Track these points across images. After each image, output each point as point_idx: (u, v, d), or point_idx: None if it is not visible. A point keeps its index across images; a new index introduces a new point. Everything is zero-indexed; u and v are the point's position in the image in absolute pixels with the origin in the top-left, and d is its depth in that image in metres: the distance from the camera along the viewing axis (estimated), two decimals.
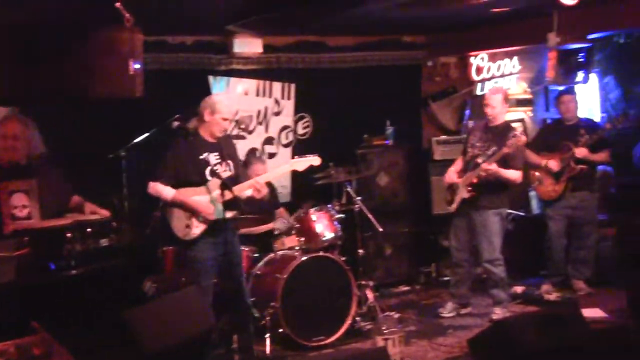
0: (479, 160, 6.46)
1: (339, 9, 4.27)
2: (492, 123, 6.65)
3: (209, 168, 5.46)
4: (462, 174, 6.65)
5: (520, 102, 9.15)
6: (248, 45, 7.29)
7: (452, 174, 6.74)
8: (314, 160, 5.74)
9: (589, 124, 7.35)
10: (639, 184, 8.08)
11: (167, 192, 5.43)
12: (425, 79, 8.85)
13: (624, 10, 6.49)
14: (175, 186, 5.46)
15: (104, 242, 5.46)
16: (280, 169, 5.91)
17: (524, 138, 6.32)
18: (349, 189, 6.93)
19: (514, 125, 8.46)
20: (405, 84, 8.68)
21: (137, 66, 5.12)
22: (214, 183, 5.40)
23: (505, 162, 6.41)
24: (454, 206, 6.70)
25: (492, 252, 6.57)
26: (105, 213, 5.72)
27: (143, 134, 6.21)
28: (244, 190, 5.52)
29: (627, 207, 7.63)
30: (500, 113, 6.64)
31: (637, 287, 6.16)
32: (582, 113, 8.31)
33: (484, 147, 6.54)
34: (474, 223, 6.61)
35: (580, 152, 6.98)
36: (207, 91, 7.35)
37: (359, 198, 6.88)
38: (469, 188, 6.51)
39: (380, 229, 6.98)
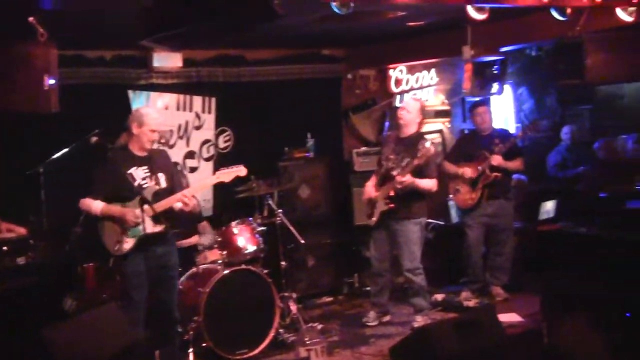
0: (394, 172, 6.56)
1: (253, 24, 4.29)
2: (403, 134, 6.75)
3: (135, 183, 5.43)
4: (379, 188, 6.75)
5: (439, 114, 9.34)
6: (168, 60, 7.26)
7: (370, 189, 6.82)
8: (240, 171, 5.74)
9: (502, 133, 7.56)
10: (549, 191, 8.37)
11: (95, 205, 5.42)
12: (346, 92, 8.91)
13: (533, 24, 6.66)
14: (106, 201, 5.46)
15: (20, 260, 5.40)
16: (206, 181, 5.92)
17: (432, 149, 6.41)
18: (270, 202, 6.96)
19: (431, 136, 8.69)
20: (326, 97, 8.74)
21: (52, 81, 5.06)
22: (136, 199, 5.37)
23: (419, 172, 6.52)
24: (374, 219, 6.78)
25: (412, 261, 6.68)
26: (22, 231, 5.65)
27: (62, 149, 6.12)
28: (169, 205, 5.51)
29: (535, 214, 7.89)
30: (413, 120, 6.73)
31: (547, 292, 6.39)
32: (497, 123, 8.53)
33: (397, 159, 6.62)
34: (394, 233, 6.71)
35: (495, 159, 7.18)
36: (127, 106, 7.27)
37: (280, 210, 6.91)
38: (387, 201, 6.61)
39: (302, 241, 7.03)
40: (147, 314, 5.54)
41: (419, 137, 6.64)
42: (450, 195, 7.69)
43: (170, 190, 5.56)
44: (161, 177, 5.57)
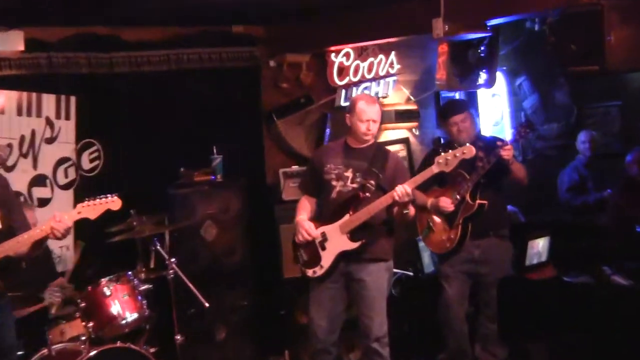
0: (367, 194, 6.50)
1: None
2: (362, 143, 6.77)
3: None
4: (321, 222, 6.69)
5: (403, 116, 9.41)
6: (3, 41, 7.17)
7: (308, 226, 6.69)
8: (112, 203, 5.71)
9: (487, 141, 7.51)
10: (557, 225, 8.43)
11: None
12: (268, 86, 8.92)
13: None
14: None
15: None
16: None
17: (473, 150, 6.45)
18: (159, 248, 6.93)
19: (392, 148, 8.70)
20: (239, 94, 8.73)
21: None
22: None
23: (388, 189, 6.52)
24: (323, 268, 6.67)
25: (382, 325, 6.65)
26: None
27: None
28: (29, 243, 5.44)
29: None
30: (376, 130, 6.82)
31: None
32: (485, 129, 8.56)
33: (358, 175, 6.60)
34: (359, 285, 6.64)
35: (507, 151, 7.06)
36: None
37: (174, 260, 6.88)
38: (349, 235, 6.54)
39: (207, 304, 7.00)
40: None
41: (381, 148, 6.79)
42: (420, 235, 7.67)
43: (6, 233, 5.46)
44: None
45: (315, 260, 6.66)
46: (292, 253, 6.84)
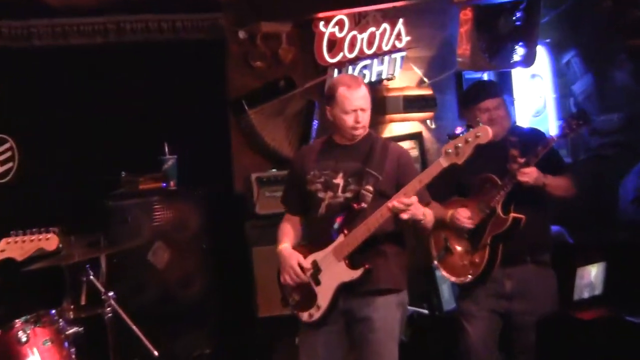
0: (363, 204, 6.32)
1: None
2: (352, 140, 6.64)
3: None
4: (310, 248, 6.55)
5: (414, 104, 9.33)
6: None
7: (296, 262, 6.50)
8: (46, 241, 5.79)
9: (525, 134, 7.33)
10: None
11: None
12: (236, 65, 8.90)
13: None
14: None
15: None
16: None
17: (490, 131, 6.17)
18: (92, 278, 6.83)
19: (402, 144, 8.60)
20: (198, 75, 8.71)
21: None
22: None
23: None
24: (323, 307, 6.51)
25: None
26: None
27: None
28: None
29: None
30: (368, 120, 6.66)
31: None
32: (521, 120, 8.38)
33: (352, 182, 6.44)
34: (362, 326, 6.48)
35: (526, 174, 6.89)
36: None
37: (112, 294, 6.76)
38: (347, 261, 6.36)
39: (156, 353, 6.85)
40: None
41: (378, 141, 6.58)
42: (435, 261, 7.51)
43: None
44: None
45: (310, 300, 6.50)
46: (280, 292, 6.68)
